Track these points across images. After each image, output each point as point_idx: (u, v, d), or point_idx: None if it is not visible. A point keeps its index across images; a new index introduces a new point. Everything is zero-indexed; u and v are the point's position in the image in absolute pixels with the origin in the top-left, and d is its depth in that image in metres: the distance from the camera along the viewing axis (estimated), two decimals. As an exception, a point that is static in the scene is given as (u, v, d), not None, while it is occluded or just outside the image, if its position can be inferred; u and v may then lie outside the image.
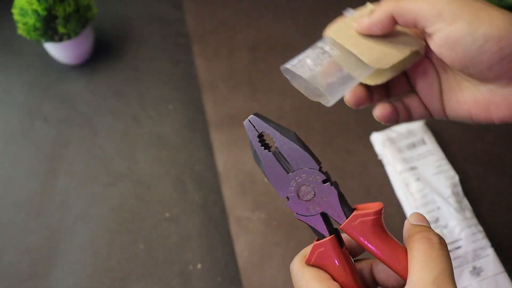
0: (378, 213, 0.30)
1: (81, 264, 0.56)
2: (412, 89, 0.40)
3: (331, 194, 0.31)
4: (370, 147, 0.61)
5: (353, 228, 0.30)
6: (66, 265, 0.56)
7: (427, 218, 0.32)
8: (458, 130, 0.62)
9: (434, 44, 0.34)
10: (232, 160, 0.61)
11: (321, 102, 0.38)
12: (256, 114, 0.32)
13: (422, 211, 0.53)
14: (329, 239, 0.31)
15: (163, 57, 0.73)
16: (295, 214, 0.32)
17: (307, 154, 0.31)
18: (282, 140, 0.31)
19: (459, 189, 0.55)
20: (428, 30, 0.34)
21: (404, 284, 0.28)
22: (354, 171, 0.60)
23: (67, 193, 0.61)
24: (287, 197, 0.32)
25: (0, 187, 0.62)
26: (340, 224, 0.31)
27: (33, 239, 0.58)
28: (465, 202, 0.54)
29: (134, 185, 0.61)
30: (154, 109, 0.68)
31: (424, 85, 0.39)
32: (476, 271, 0.49)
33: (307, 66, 0.38)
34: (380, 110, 0.39)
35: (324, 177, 0.31)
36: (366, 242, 0.30)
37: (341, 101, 0.67)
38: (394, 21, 0.35)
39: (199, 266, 0.55)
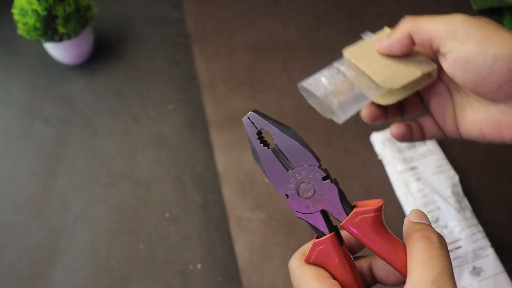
0: (378, 210, 0.30)
1: (81, 264, 0.56)
2: (426, 109, 0.42)
3: (331, 191, 0.31)
4: (370, 147, 0.61)
5: (354, 225, 0.30)
6: (66, 265, 0.56)
7: (427, 218, 0.32)
8: (458, 130, 0.62)
9: (447, 64, 0.35)
10: (232, 160, 0.61)
11: (333, 119, 0.40)
12: (255, 111, 0.31)
13: (422, 211, 0.53)
14: (329, 236, 0.31)
15: (163, 57, 0.73)
16: (294, 211, 0.32)
17: (306, 151, 0.31)
18: (282, 137, 0.31)
19: (459, 189, 0.55)
20: (442, 49, 0.35)
21: (404, 281, 0.28)
22: (354, 171, 0.60)
23: (67, 193, 0.61)
24: (287, 195, 0.32)
25: (0, 187, 0.62)
26: (340, 222, 0.31)
27: (33, 239, 0.58)
28: (465, 202, 0.54)
29: (134, 185, 0.61)
30: (154, 109, 0.68)
31: (438, 106, 0.40)
32: (476, 271, 0.49)
33: (322, 85, 0.41)
34: (395, 129, 0.41)
35: (324, 174, 0.31)
36: (366, 240, 0.30)
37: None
38: (411, 40, 0.37)
39: (199, 266, 0.55)
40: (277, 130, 0.31)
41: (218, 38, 0.74)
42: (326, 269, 0.31)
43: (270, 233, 0.56)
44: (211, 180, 0.61)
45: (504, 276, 0.49)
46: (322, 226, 0.31)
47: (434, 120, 0.41)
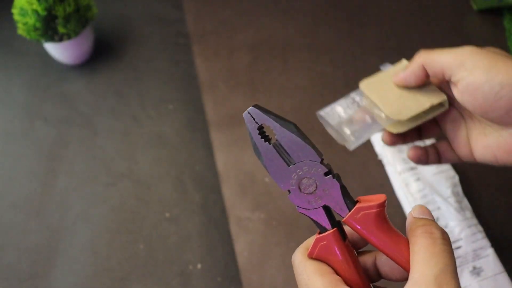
0: (381, 205, 0.30)
1: (81, 264, 0.56)
2: (443, 135, 0.45)
3: (333, 186, 0.31)
4: (370, 147, 0.61)
5: (356, 221, 0.30)
6: (66, 265, 0.56)
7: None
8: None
9: (458, 92, 0.38)
10: (232, 160, 0.61)
11: (346, 146, 0.44)
12: (256, 106, 0.31)
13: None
14: (331, 232, 0.31)
15: (163, 57, 0.73)
16: (296, 207, 0.31)
17: (308, 146, 0.30)
18: (283, 132, 0.31)
19: (459, 189, 0.55)
20: (453, 79, 0.38)
21: (408, 277, 0.28)
22: (354, 171, 0.60)
23: (67, 193, 0.61)
24: (289, 190, 0.31)
25: (0, 187, 0.62)
26: (343, 217, 0.31)
27: (33, 239, 0.58)
28: (465, 202, 0.54)
29: (134, 185, 0.61)
30: (154, 109, 0.68)
31: (452, 131, 0.43)
32: (476, 271, 0.49)
33: (337, 114, 0.44)
34: (412, 152, 0.44)
35: (326, 170, 0.31)
36: (369, 235, 0.30)
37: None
38: (425, 72, 0.40)
39: (199, 266, 0.55)
40: (278, 125, 0.30)
41: (218, 38, 0.74)
42: (329, 265, 0.31)
43: (270, 233, 0.56)
44: (211, 180, 0.61)
45: (504, 276, 0.49)
46: (324, 221, 0.31)
47: (450, 145, 0.44)
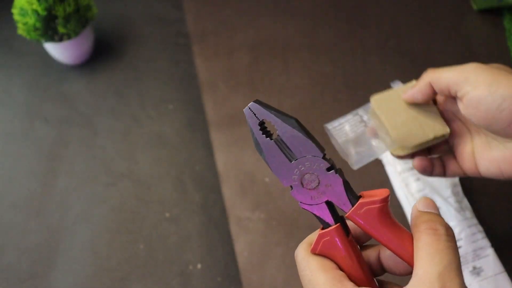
0: (385, 200, 0.30)
1: (81, 264, 0.56)
2: (450, 149, 0.46)
3: (336, 182, 0.30)
4: (370, 147, 0.61)
5: (359, 216, 0.30)
6: (66, 265, 0.56)
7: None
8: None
9: (463, 106, 0.40)
10: (232, 160, 0.61)
11: (349, 163, 0.45)
12: (257, 101, 0.31)
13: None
14: (334, 228, 0.30)
15: (163, 57, 0.73)
16: (299, 203, 0.31)
17: (310, 142, 0.30)
18: (284, 127, 0.30)
19: (459, 189, 0.55)
20: (459, 94, 0.40)
21: (412, 272, 0.28)
22: (354, 171, 0.60)
23: (67, 193, 0.61)
24: (291, 186, 0.31)
25: (0, 187, 0.62)
26: (346, 212, 0.30)
27: (33, 239, 0.58)
28: (465, 202, 0.54)
29: (134, 185, 0.61)
30: (154, 109, 0.68)
31: (458, 146, 0.45)
32: (476, 271, 0.49)
33: (344, 131, 0.46)
34: (417, 162, 0.46)
35: (328, 165, 0.30)
36: (372, 230, 0.30)
37: (340, 99, 0.67)
38: (432, 89, 0.42)
39: (199, 266, 0.55)
40: (279, 121, 0.30)
41: (218, 38, 0.74)
42: (332, 260, 0.30)
43: (270, 233, 0.56)
44: (211, 180, 0.61)
45: (504, 276, 0.49)
46: (327, 217, 0.31)
47: (456, 159, 0.45)
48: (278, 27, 0.74)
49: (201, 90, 0.68)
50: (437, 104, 0.46)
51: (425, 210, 0.30)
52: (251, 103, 0.31)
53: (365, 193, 0.31)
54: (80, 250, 0.57)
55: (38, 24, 0.62)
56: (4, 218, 0.60)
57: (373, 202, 0.29)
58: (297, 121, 0.30)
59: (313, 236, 0.32)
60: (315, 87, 0.67)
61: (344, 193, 0.30)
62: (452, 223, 0.52)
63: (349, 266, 0.30)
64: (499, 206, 0.56)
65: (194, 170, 0.62)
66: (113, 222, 0.59)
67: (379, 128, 0.45)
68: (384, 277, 0.33)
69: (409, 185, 0.55)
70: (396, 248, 0.29)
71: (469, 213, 0.53)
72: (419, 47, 0.70)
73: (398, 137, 0.43)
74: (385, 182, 0.58)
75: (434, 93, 0.43)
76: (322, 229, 0.31)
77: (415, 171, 0.56)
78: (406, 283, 0.27)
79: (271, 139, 0.31)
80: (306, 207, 0.31)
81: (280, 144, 0.31)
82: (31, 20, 0.62)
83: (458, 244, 0.51)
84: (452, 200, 0.53)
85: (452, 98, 0.43)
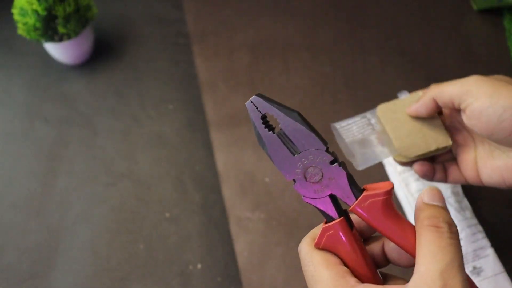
0: (388, 193, 0.29)
1: (81, 264, 0.56)
2: (453, 157, 0.47)
3: (339, 175, 0.30)
4: (370, 147, 0.61)
5: (363, 209, 0.30)
6: (66, 265, 0.56)
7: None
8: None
9: (466, 117, 0.42)
10: (232, 160, 0.61)
11: (352, 163, 0.46)
12: (259, 95, 0.30)
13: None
14: (338, 221, 0.30)
15: (163, 57, 0.73)
16: (302, 197, 0.31)
17: (313, 135, 0.30)
18: (287, 120, 0.30)
19: (459, 189, 0.55)
20: (462, 106, 0.41)
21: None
22: (354, 171, 0.59)
23: (67, 193, 0.61)
24: (294, 180, 0.31)
25: (0, 187, 0.62)
26: (350, 206, 0.30)
27: (33, 239, 0.58)
28: (465, 202, 0.54)
29: (134, 185, 0.61)
30: (154, 109, 0.68)
31: (461, 154, 0.46)
32: (476, 271, 0.49)
33: (351, 132, 0.47)
34: (418, 166, 0.46)
35: (331, 158, 0.30)
36: (376, 223, 0.29)
37: (340, 99, 0.67)
38: (436, 104, 0.43)
39: (199, 266, 0.55)
40: (281, 114, 0.30)
41: (218, 38, 0.74)
42: (336, 254, 0.30)
43: (270, 233, 0.56)
44: (211, 180, 0.61)
45: (504, 276, 0.49)
46: (331, 210, 0.31)
47: (458, 166, 0.46)
48: (278, 27, 0.74)
49: (201, 90, 0.68)
50: (442, 115, 0.47)
51: (430, 203, 0.30)
52: (253, 96, 0.30)
53: (368, 186, 0.31)
54: (80, 250, 0.57)
55: (38, 24, 0.62)
56: (4, 218, 0.60)
57: (377, 195, 0.29)
58: (299, 114, 0.30)
59: (316, 230, 0.32)
60: (315, 87, 0.67)
61: (348, 186, 0.30)
62: (452, 223, 0.52)
63: (353, 260, 0.30)
64: (499, 206, 0.56)
65: (194, 170, 0.62)
66: (113, 222, 0.59)
67: (385, 134, 0.46)
68: (388, 268, 0.33)
69: (409, 185, 0.55)
70: (400, 240, 0.29)
71: (469, 213, 0.53)
72: (419, 47, 0.70)
73: (401, 147, 0.44)
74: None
75: (438, 107, 0.44)
76: (326, 223, 0.31)
77: (415, 171, 0.56)
78: (411, 275, 0.27)
79: (274, 133, 0.31)
80: (309, 201, 0.31)
81: (283, 137, 0.31)
82: (31, 20, 0.62)
83: (458, 244, 0.51)
84: (452, 200, 0.53)
85: (456, 110, 0.44)
